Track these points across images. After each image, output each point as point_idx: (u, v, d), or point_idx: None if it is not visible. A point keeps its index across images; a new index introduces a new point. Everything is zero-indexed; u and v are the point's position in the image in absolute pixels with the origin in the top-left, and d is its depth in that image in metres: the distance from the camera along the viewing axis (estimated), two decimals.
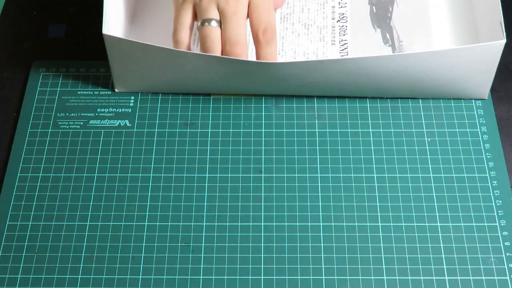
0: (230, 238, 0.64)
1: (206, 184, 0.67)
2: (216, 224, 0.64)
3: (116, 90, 0.73)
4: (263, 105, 0.72)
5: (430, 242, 0.63)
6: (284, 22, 0.77)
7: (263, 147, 0.69)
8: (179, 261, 0.62)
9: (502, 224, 0.64)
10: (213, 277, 0.62)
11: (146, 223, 0.64)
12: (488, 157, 0.68)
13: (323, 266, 0.62)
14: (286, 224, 0.64)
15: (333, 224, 0.64)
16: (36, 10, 0.81)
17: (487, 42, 0.67)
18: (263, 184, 0.67)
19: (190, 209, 0.65)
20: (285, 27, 0.76)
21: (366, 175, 0.67)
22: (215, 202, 0.66)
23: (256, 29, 0.67)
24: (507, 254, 0.62)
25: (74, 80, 0.74)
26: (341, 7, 0.78)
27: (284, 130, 0.70)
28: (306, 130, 0.70)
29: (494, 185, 0.66)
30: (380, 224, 0.64)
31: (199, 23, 0.67)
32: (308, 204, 0.65)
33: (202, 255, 0.63)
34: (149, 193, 0.66)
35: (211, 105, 0.72)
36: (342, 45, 0.75)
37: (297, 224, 0.64)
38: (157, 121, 0.71)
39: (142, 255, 0.63)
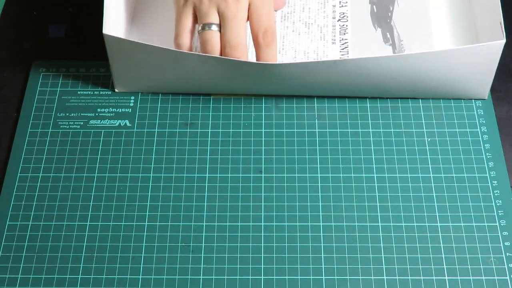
0: (230, 238, 0.64)
1: (206, 184, 0.67)
2: (216, 224, 0.64)
3: (116, 90, 0.73)
4: (263, 105, 0.72)
5: (430, 242, 0.63)
6: (285, 21, 0.77)
7: (263, 147, 0.69)
8: (179, 261, 0.62)
9: (502, 224, 0.64)
10: (213, 277, 0.62)
11: (146, 223, 0.65)
12: (488, 157, 0.68)
13: (323, 266, 0.62)
14: (286, 224, 0.64)
15: (333, 224, 0.64)
16: (36, 10, 0.81)
17: (487, 42, 0.66)
18: (263, 184, 0.67)
19: (190, 209, 0.65)
20: (285, 26, 0.76)
21: (366, 175, 0.67)
22: (215, 202, 0.66)
23: (256, 32, 0.67)
24: (507, 254, 0.62)
25: (74, 80, 0.74)
26: (342, 6, 0.78)
27: (284, 130, 0.70)
28: (306, 130, 0.70)
29: (494, 185, 0.66)
30: (380, 224, 0.64)
31: (200, 27, 0.67)
32: (308, 204, 0.65)
33: (202, 255, 0.63)
34: (149, 193, 0.66)
35: (211, 105, 0.72)
36: (343, 44, 0.75)
37: (297, 224, 0.64)
38: (157, 121, 0.71)
39: (142, 255, 0.63)
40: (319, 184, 0.66)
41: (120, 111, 0.72)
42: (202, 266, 0.62)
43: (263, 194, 0.66)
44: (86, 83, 0.74)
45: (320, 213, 0.65)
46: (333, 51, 0.74)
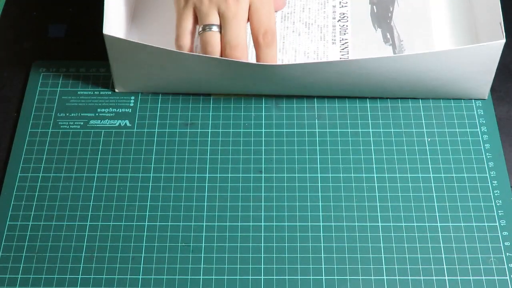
0: (230, 238, 0.64)
1: (206, 184, 0.67)
2: (216, 224, 0.64)
3: (116, 90, 0.73)
4: (263, 105, 0.72)
5: (430, 242, 0.63)
6: (285, 21, 0.77)
7: (263, 147, 0.69)
8: (179, 261, 0.62)
9: (502, 224, 0.64)
10: (213, 277, 0.62)
11: (146, 223, 0.65)
12: (488, 157, 0.68)
13: (323, 266, 0.62)
14: (286, 224, 0.64)
15: (333, 224, 0.64)
16: (36, 10, 0.81)
17: (487, 42, 0.67)
18: (263, 184, 0.67)
19: (190, 209, 0.65)
20: (286, 26, 0.76)
21: (366, 175, 0.67)
22: (215, 202, 0.66)
23: (256, 32, 0.67)
24: (507, 254, 0.62)
25: (74, 80, 0.74)
26: (342, 6, 0.78)
27: (284, 130, 0.70)
28: (306, 130, 0.70)
29: (494, 185, 0.66)
30: (380, 224, 0.64)
31: (200, 28, 0.67)
32: (308, 204, 0.65)
33: (202, 255, 0.63)
34: (149, 193, 0.66)
35: (211, 105, 0.72)
36: (343, 45, 0.75)
37: (297, 224, 0.64)
38: (157, 121, 0.71)
39: (142, 255, 0.63)
40: (319, 184, 0.66)
41: (120, 111, 0.72)
42: (202, 266, 0.62)
43: (263, 194, 0.66)
44: (86, 83, 0.74)
45: (320, 213, 0.65)
46: (333, 51, 0.75)
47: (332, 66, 0.67)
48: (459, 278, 0.61)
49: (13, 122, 0.71)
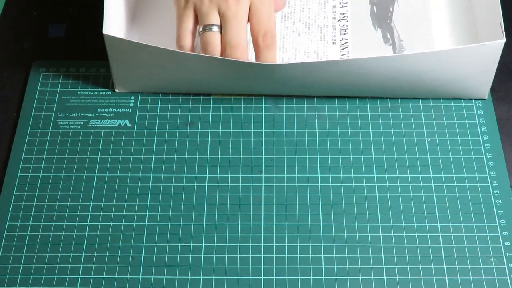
0: (230, 238, 0.64)
1: (206, 184, 0.67)
2: (216, 224, 0.64)
3: (116, 90, 0.73)
4: (263, 105, 0.72)
5: (430, 242, 0.63)
6: (285, 21, 0.77)
7: (263, 147, 0.69)
8: (179, 261, 0.62)
9: (502, 224, 0.64)
10: (213, 277, 0.62)
11: (146, 223, 0.65)
12: (488, 157, 0.68)
13: (323, 266, 0.62)
14: (286, 224, 0.64)
15: (333, 224, 0.64)
16: (36, 10, 0.81)
17: (487, 42, 0.67)
18: (263, 184, 0.67)
19: (190, 209, 0.65)
20: (286, 26, 0.76)
21: (366, 175, 0.67)
22: (215, 202, 0.66)
23: (256, 33, 0.67)
24: (507, 254, 0.62)
25: (74, 80, 0.74)
26: (342, 6, 0.78)
27: (284, 130, 0.70)
28: (306, 130, 0.70)
29: (494, 185, 0.66)
30: (380, 224, 0.64)
31: (201, 29, 0.68)
32: (308, 204, 0.65)
33: (202, 255, 0.63)
34: (149, 193, 0.66)
35: (211, 105, 0.72)
36: (343, 45, 0.75)
37: (297, 224, 0.64)
38: (157, 121, 0.71)
39: (142, 255, 0.63)
40: (319, 184, 0.66)
41: (120, 111, 0.72)
42: (202, 266, 0.62)
43: (263, 194, 0.66)
44: (86, 83, 0.74)
45: (320, 213, 0.65)
46: (333, 51, 0.75)
47: (332, 65, 0.67)
48: (459, 278, 0.61)
49: (13, 122, 0.71)
